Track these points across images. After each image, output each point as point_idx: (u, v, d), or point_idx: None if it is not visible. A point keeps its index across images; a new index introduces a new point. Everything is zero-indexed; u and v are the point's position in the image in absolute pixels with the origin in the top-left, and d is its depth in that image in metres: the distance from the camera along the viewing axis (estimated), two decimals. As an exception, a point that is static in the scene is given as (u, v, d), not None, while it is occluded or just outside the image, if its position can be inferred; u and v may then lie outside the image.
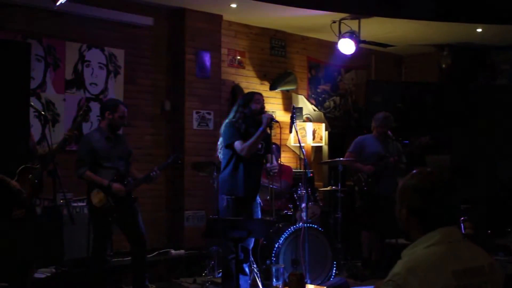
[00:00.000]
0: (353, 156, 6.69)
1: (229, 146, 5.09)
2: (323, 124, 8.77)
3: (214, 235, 5.31)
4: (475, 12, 7.40)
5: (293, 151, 8.67)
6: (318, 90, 9.28)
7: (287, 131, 7.60)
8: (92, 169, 5.10)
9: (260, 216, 5.33)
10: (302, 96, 8.95)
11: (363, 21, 7.72)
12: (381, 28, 8.19)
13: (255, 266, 5.49)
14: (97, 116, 6.38)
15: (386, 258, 6.27)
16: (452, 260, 2.01)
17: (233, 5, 7.24)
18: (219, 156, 5.31)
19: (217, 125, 7.18)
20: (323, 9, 7.33)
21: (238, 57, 8.20)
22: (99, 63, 6.86)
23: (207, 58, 7.51)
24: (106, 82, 6.91)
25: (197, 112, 7.43)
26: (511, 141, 8.26)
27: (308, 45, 9.07)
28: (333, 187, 6.77)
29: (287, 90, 8.68)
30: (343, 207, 6.68)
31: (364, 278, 6.24)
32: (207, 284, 5.88)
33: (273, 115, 8.26)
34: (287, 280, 3.90)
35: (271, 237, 5.87)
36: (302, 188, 6.05)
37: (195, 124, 7.40)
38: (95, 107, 6.60)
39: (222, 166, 5.22)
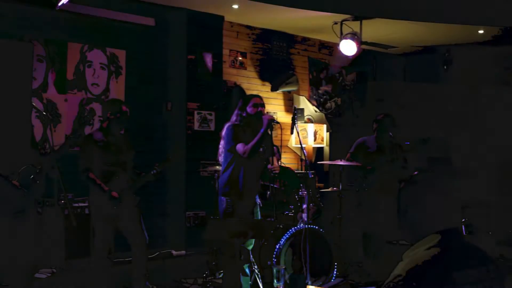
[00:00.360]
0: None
1: (231, 149, 5.10)
2: (325, 125, 8.77)
3: (215, 236, 5.30)
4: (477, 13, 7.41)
5: (294, 152, 8.67)
6: (320, 91, 9.28)
7: (289, 132, 7.60)
8: (95, 169, 5.09)
9: (260, 217, 5.33)
10: (304, 97, 8.95)
11: (364, 22, 7.71)
12: (382, 30, 8.19)
13: (255, 267, 5.48)
14: (99, 116, 6.39)
15: (387, 260, 6.26)
16: (453, 262, 2.01)
17: (235, 6, 7.24)
18: (220, 159, 5.31)
19: (218, 126, 7.18)
20: (324, 11, 7.34)
21: (240, 58, 8.21)
22: (101, 63, 6.87)
23: (208, 59, 7.52)
24: (108, 83, 6.91)
25: (198, 113, 7.43)
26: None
27: (309, 46, 9.07)
28: (334, 188, 6.77)
29: (289, 91, 8.68)
30: (344, 208, 6.67)
31: (365, 279, 6.23)
32: (208, 285, 5.88)
33: (275, 116, 8.27)
34: (288, 281, 3.90)
35: (272, 238, 5.87)
36: (303, 189, 6.05)
37: (196, 125, 7.41)
38: (97, 107, 6.60)
39: (223, 168, 5.23)
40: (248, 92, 7.80)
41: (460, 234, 2.13)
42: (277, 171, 5.33)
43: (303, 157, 6.00)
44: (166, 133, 7.45)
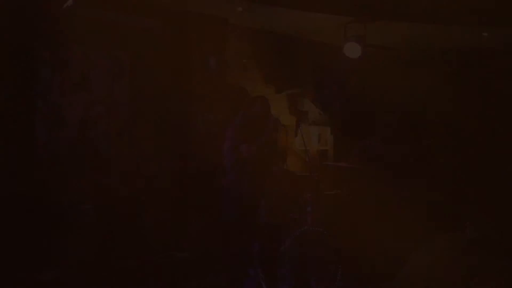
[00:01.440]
0: (356, 159, 6.70)
1: (235, 150, 5.10)
2: (329, 128, 8.76)
3: (218, 238, 5.31)
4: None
5: (298, 154, 8.67)
6: (324, 94, 9.28)
7: (293, 134, 7.59)
8: (98, 170, 5.11)
9: (264, 220, 5.33)
10: (308, 100, 8.95)
11: (369, 24, 7.71)
12: (387, 32, 8.17)
13: (260, 269, 5.48)
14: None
15: (391, 261, 6.25)
16: (458, 264, 2.01)
17: (239, 9, 7.25)
18: (224, 160, 5.32)
19: (222, 129, 7.18)
20: (329, 13, 7.34)
21: (244, 61, 8.21)
22: (105, 66, 6.88)
23: (212, 62, 7.52)
24: (111, 86, 6.93)
25: (202, 115, 7.44)
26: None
27: (312, 48, 9.07)
28: (338, 191, 6.77)
29: (293, 94, 8.68)
30: (348, 210, 6.66)
31: (370, 282, 6.22)
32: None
33: (279, 118, 8.27)
34: (292, 284, 3.90)
35: (277, 241, 5.86)
36: (308, 191, 6.04)
37: (200, 127, 7.42)
38: (101, 110, 6.60)
39: (227, 170, 5.23)
40: (253, 94, 7.81)
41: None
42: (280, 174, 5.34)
43: (307, 160, 5.99)
44: (170, 136, 7.45)
